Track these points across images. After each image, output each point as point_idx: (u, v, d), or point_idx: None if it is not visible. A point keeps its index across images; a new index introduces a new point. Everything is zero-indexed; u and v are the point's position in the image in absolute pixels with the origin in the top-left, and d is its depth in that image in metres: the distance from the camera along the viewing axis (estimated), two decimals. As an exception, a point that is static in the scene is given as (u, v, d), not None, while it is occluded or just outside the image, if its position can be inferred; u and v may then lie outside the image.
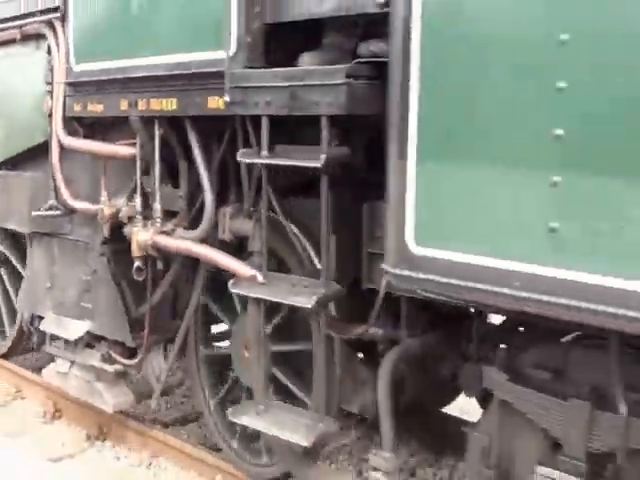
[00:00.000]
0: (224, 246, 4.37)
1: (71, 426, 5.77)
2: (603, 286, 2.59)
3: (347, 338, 4.01)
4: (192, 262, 4.70)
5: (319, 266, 3.89)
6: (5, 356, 6.62)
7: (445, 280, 2.94)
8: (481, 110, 2.81)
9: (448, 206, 2.92)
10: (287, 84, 3.63)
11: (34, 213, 5.19)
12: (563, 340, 3.31)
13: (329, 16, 3.66)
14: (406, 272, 3.07)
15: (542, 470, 3.20)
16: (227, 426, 4.91)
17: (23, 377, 6.40)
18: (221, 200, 4.42)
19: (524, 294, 2.74)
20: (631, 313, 2.53)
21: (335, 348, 4.15)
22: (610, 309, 2.56)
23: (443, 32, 2.93)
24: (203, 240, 4.36)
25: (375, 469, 3.62)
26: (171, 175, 4.59)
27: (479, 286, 2.85)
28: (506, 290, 2.78)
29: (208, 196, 4.29)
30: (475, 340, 3.71)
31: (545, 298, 2.70)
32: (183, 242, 4.35)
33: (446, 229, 2.94)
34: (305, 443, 3.68)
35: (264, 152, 3.78)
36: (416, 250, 3.03)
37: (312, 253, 4.07)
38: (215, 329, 5.20)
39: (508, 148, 2.76)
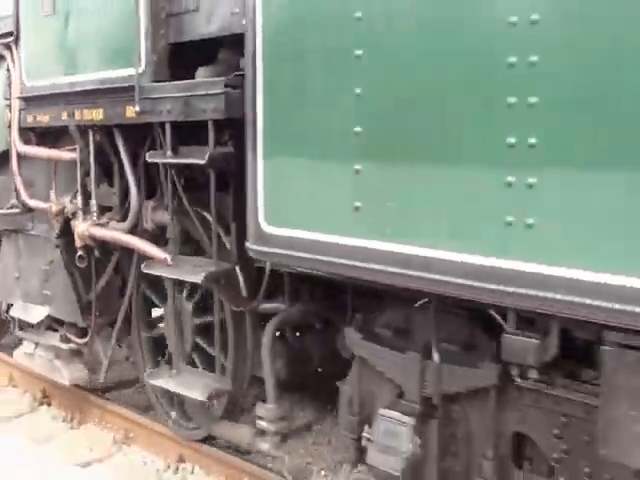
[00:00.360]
0: (152, 236, 5.05)
1: (96, 430, 6.00)
2: (392, 252, 3.23)
3: (249, 311, 4.68)
4: (129, 252, 5.38)
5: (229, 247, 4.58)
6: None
7: (285, 252, 3.61)
8: (302, 114, 3.48)
9: (284, 192, 3.59)
10: (182, 94, 4.32)
11: (-1, 212, 5.94)
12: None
13: (216, 36, 4.34)
14: (261, 247, 3.74)
15: (385, 412, 3.83)
16: (167, 399, 5.58)
17: (49, 382, 6.48)
18: (150, 196, 5.11)
19: (338, 260, 3.39)
20: (412, 272, 3.18)
21: (246, 321, 4.82)
22: (393, 269, 3.20)
23: (277, 48, 3.60)
24: (131, 230, 5.04)
25: (260, 417, 4.28)
26: (107, 175, 5.28)
27: (308, 256, 3.51)
28: (326, 258, 3.43)
29: (133, 192, 4.98)
30: (349, 308, 4.36)
31: (353, 263, 3.35)
32: (113, 232, 5.05)
33: (284, 211, 3.60)
34: (201, 398, 4.36)
35: (168, 153, 4.47)
36: (267, 229, 3.70)
37: (223, 237, 4.74)
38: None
39: (323, 144, 3.42)
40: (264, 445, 4.27)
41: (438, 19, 3.01)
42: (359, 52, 3.27)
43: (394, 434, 3.60)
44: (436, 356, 3.62)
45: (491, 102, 2.86)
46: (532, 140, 2.79)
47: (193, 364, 4.99)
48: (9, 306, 6.61)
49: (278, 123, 3.60)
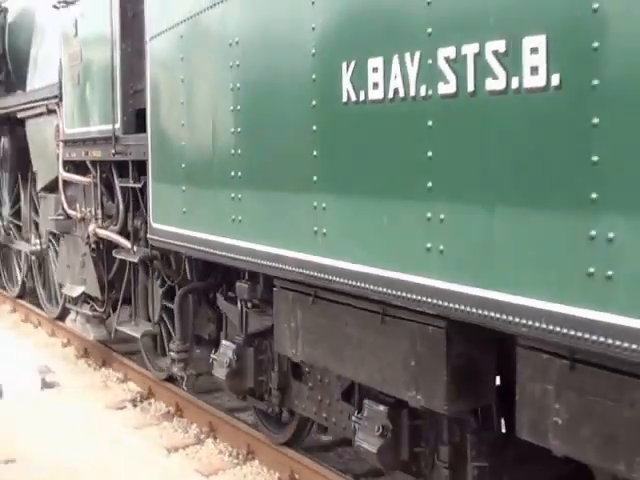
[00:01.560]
0: (134, 235, 7.48)
1: (221, 445, 6.50)
2: (253, 250, 5.45)
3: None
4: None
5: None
6: (60, 318, 10.00)
7: (161, 239, 5.95)
8: (167, 148, 5.81)
9: (161, 204, 5.93)
10: (136, 143, 6.72)
11: (50, 217, 8.55)
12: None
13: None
14: (151, 236, 6.10)
15: (224, 342, 5.97)
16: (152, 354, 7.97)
17: (182, 397, 7.29)
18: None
19: (211, 250, 5.60)
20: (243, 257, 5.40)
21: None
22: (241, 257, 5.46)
23: (155, 111, 5.95)
24: (120, 231, 7.48)
25: (170, 350, 6.63)
26: (110, 194, 7.76)
27: (180, 243, 5.82)
28: (202, 248, 5.67)
29: (121, 207, 7.42)
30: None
31: (228, 254, 5.57)
32: (106, 232, 7.52)
33: (161, 214, 5.95)
34: (137, 335, 6.78)
35: (130, 180, 6.89)
36: (154, 225, 6.04)
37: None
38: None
39: (203, 168, 5.72)
40: (174, 368, 6.59)
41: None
42: (182, 76, 5.57)
43: (225, 354, 5.81)
44: (244, 309, 5.80)
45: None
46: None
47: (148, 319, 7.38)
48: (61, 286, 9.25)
49: (156, 157, 5.97)
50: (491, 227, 3.37)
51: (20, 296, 11.41)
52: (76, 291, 8.56)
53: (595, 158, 2.93)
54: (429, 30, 3.59)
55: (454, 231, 3.54)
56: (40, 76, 9.17)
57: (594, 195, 2.94)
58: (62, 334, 9.75)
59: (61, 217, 8.55)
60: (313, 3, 4.30)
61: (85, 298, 8.60)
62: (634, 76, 2.80)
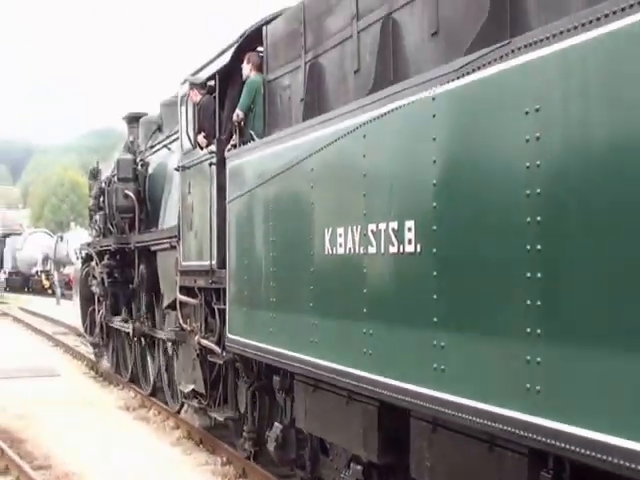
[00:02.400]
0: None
1: None
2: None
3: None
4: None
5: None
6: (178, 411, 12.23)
7: (234, 346, 8.09)
8: (243, 280, 8.02)
9: (236, 320, 8.10)
10: (223, 275, 8.99)
11: (170, 329, 10.92)
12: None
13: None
14: (228, 344, 8.23)
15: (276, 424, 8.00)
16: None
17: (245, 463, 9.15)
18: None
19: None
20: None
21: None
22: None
23: (234, 242, 8.21)
24: (217, 342, 9.68)
25: (244, 431, 8.68)
26: (212, 313, 10.03)
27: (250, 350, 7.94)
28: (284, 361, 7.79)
29: (217, 322, 9.64)
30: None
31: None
32: (206, 341, 9.76)
33: (235, 327, 8.10)
34: (221, 419, 8.88)
35: (221, 303, 9.16)
36: (229, 335, 8.19)
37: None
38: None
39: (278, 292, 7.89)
40: (245, 445, 8.62)
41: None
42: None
43: (275, 432, 7.81)
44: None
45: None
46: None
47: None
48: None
49: (232, 291, 8.19)
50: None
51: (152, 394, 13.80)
52: (188, 388, 10.81)
53: (435, 296, 4.87)
54: (364, 212, 5.66)
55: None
56: (168, 219, 11.79)
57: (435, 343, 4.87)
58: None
59: (177, 329, 10.89)
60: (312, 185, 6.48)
61: (195, 394, 10.82)
62: (454, 246, 4.74)
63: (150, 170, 13.62)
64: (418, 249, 4.98)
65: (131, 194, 13.64)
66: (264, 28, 8.46)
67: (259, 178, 7.56)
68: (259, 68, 8.60)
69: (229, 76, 9.31)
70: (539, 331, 3.93)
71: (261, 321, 7.51)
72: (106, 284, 14.83)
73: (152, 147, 13.93)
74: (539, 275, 3.93)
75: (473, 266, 4.50)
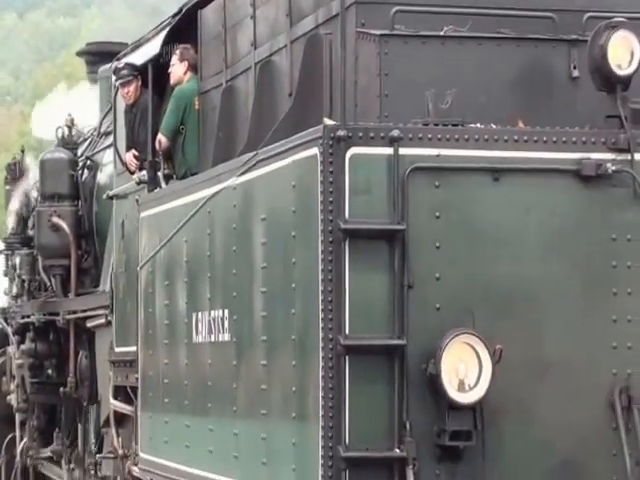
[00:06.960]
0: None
1: None
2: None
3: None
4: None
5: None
6: None
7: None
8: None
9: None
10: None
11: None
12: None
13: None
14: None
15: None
16: None
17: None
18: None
19: None
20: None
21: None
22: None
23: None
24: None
25: None
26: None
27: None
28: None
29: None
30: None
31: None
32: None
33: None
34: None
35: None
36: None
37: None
38: None
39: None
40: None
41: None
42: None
43: None
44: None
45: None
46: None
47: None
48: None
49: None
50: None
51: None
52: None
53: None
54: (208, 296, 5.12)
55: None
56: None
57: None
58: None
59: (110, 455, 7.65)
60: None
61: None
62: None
63: (102, 178, 8.01)
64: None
65: (63, 225, 8.15)
66: (199, 13, 6.03)
67: (160, 241, 5.99)
68: (196, 69, 6.19)
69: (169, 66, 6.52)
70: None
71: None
72: (28, 389, 9.08)
73: (109, 134, 7.94)
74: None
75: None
